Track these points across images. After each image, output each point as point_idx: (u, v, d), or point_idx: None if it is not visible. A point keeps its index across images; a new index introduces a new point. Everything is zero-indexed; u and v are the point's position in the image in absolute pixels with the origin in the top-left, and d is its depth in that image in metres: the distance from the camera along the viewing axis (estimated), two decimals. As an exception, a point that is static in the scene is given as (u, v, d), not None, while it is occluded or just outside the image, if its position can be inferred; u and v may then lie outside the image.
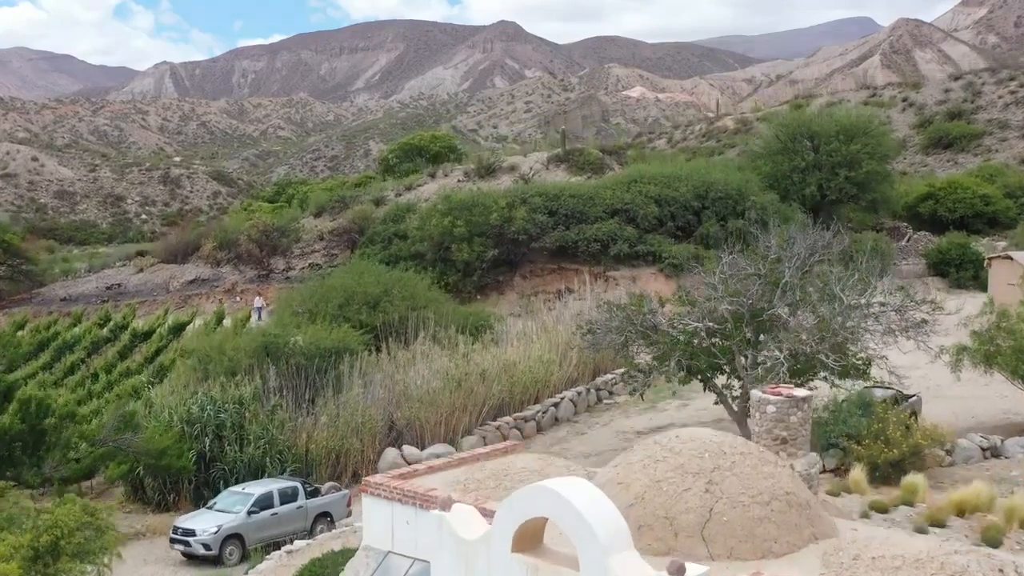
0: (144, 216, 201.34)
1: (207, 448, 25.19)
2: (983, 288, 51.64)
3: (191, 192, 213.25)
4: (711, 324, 25.09)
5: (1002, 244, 60.20)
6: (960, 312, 26.91)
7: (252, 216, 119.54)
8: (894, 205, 59.83)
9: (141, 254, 63.02)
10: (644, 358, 27.15)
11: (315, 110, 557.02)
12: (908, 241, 57.52)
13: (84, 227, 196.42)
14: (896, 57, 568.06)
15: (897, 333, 24.91)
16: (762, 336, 25.10)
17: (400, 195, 60.90)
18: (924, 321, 25.23)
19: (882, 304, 25.56)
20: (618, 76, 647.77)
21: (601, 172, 59.17)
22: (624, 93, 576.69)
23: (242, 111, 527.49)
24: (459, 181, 60.55)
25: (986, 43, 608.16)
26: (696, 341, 25.44)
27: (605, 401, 34.09)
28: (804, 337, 23.32)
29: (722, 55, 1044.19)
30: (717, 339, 25.76)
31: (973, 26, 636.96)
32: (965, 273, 52.25)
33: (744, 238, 50.71)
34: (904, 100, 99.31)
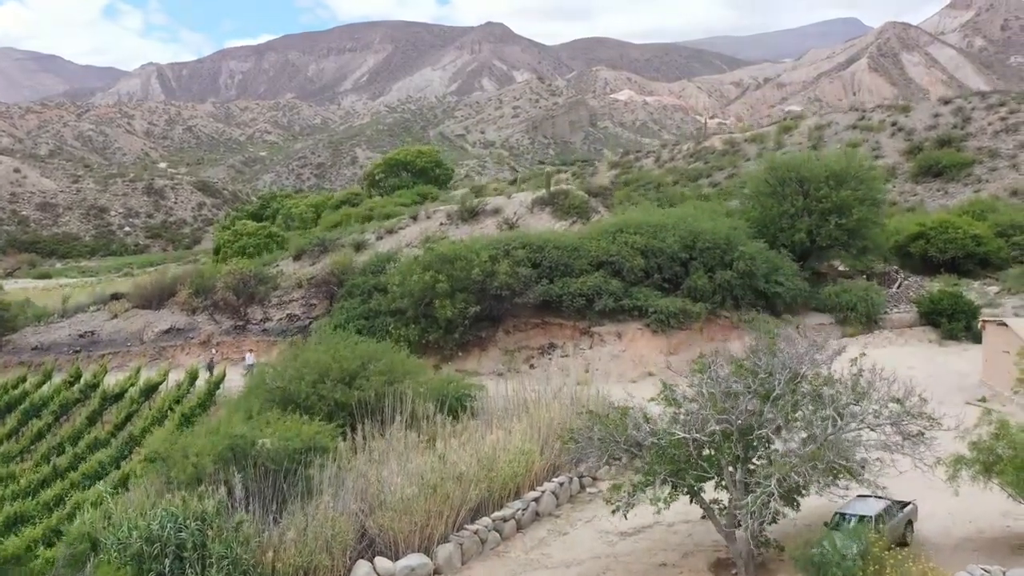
0: (128, 228, 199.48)
1: (167, 570, 23.84)
2: (976, 339, 50.62)
3: (175, 203, 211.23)
4: (699, 436, 23.92)
5: (994, 289, 59.26)
6: (960, 426, 25.65)
7: (237, 237, 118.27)
8: (884, 250, 58.79)
9: (116, 297, 61.46)
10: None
11: (302, 113, 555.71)
12: (899, 287, 56.48)
13: (67, 240, 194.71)
14: (883, 60, 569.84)
15: (893, 449, 23.78)
16: (750, 452, 23.95)
17: (381, 238, 59.56)
18: (921, 433, 24.11)
19: (876, 414, 24.43)
20: (606, 79, 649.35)
21: (586, 216, 57.94)
22: (612, 96, 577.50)
23: (228, 115, 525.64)
24: (442, 224, 59.24)
25: (973, 46, 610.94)
26: (683, 448, 24.27)
27: (588, 489, 32.75)
28: (795, 461, 22.14)
29: (710, 56, 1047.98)
30: (705, 448, 24.62)
31: (960, 29, 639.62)
32: (957, 324, 51.24)
33: (733, 290, 49.87)
34: (893, 124, 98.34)
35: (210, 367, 48.57)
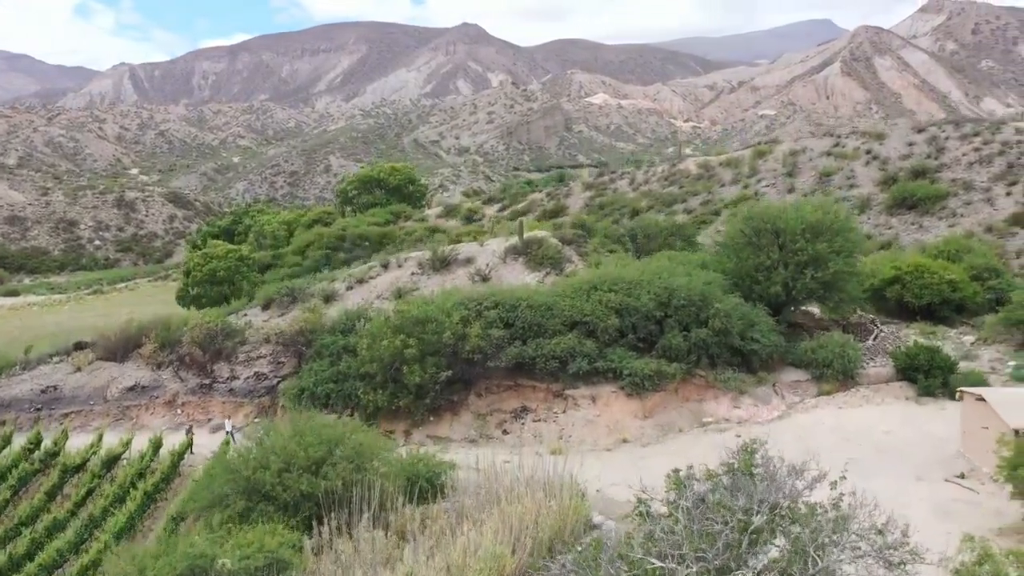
0: (98, 242, 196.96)
1: None
2: (953, 396, 50.20)
3: (146, 216, 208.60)
4: (676, 567, 23.12)
5: (970, 339, 58.93)
6: (942, 560, 24.90)
7: (207, 260, 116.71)
8: (860, 302, 58.21)
9: (80, 347, 60.06)
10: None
11: (276, 116, 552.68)
12: (875, 339, 55.94)
13: (35, 254, 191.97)
14: (856, 64, 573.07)
15: (874, 584, 23.02)
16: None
17: (351, 287, 58.47)
18: (903, 563, 23.39)
19: (857, 540, 23.68)
20: (580, 82, 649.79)
21: (560, 266, 57.08)
22: (587, 100, 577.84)
23: (201, 118, 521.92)
24: (413, 274, 58.22)
25: (944, 50, 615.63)
26: None
27: (561, 590, 31.91)
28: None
29: (684, 58, 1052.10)
30: None
31: (932, 32, 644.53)
32: (934, 380, 50.71)
33: (708, 348, 49.15)
34: (868, 152, 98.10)
35: (188, 434, 47.17)
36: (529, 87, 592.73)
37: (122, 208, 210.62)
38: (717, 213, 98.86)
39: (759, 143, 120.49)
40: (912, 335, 60.48)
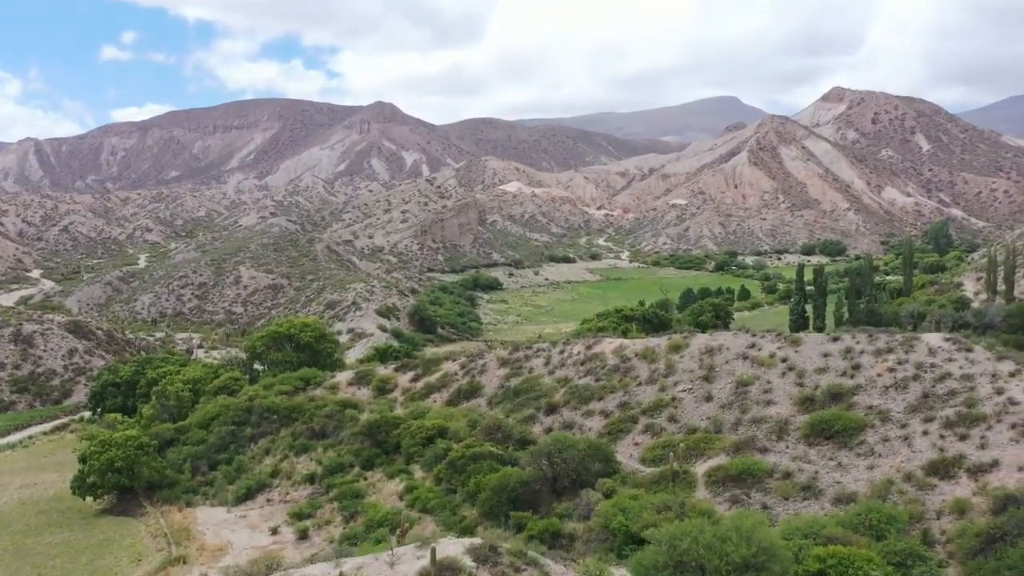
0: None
1: None
2: None
3: (45, 351, 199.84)
4: None
5: (898, 662, 57.51)
6: None
7: (104, 448, 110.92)
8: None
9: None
10: None
11: (186, 204, 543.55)
12: (803, 674, 53.98)
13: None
14: (763, 154, 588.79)
15: None
16: None
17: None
18: None
19: None
20: (495, 169, 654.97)
21: (476, 601, 54.04)
22: (501, 188, 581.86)
23: (108, 209, 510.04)
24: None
25: (846, 139, 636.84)
26: None
27: None
28: None
29: (595, 136, 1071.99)
30: None
31: (834, 121, 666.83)
32: None
33: None
34: (784, 361, 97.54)
35: None
36: (443, 179, 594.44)
37: (19, 344, 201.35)
38: (635, 420, 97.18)
39: (674, 335, 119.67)
40: (839, 648, 58.88)
